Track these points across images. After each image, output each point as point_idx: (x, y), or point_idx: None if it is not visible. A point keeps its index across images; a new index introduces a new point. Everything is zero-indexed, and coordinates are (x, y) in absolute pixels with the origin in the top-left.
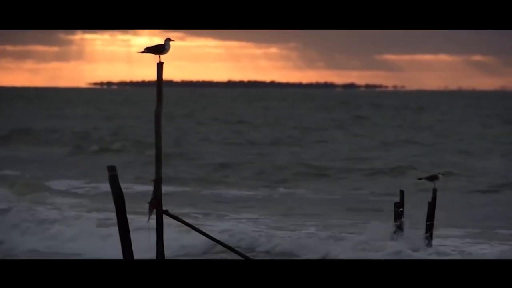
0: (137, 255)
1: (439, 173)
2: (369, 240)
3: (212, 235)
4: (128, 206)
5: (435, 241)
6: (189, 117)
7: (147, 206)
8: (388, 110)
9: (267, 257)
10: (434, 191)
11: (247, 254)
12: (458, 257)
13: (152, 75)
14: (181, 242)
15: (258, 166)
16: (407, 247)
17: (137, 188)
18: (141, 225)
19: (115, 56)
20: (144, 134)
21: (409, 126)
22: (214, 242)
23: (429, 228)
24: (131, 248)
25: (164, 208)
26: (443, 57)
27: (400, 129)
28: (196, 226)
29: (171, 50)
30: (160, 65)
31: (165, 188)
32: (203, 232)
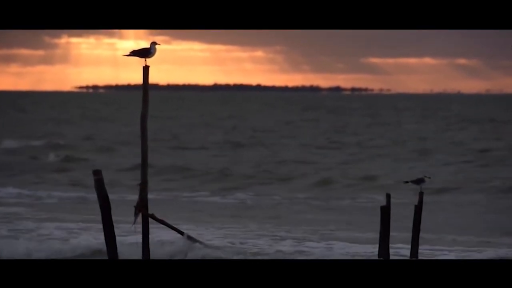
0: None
1: (426, 176)
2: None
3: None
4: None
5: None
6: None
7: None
8: (344, 113)
9: None
10: (421, 194)
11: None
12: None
13: (138, 79)
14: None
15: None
16: None
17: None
18: None
19: (101, 59)
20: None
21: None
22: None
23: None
24: (116, 250)
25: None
26: (428, 60)
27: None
28: (182, 230)
29: (157, 53)
30: (146, 69)
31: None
32: (190, 236)
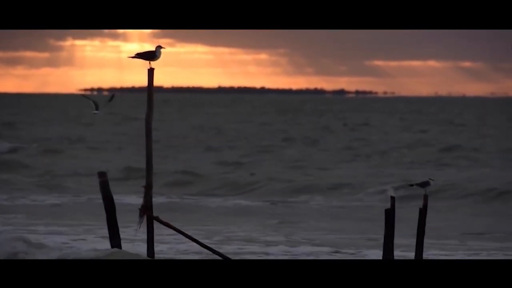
0: None
1: (430, 179)
2: None
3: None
4: None
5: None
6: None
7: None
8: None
9: None
10: (425, 197)
11: None
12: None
13: (142, 81)
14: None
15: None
16: None
17: None
18: None
19: (105, 62)
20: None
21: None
22: (204, 248)
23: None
24: (120, 249)
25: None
26: (432, 63)
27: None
28: (187, 233)
29: (161, 56)
30: (151, 71)
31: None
32: (194, 239)
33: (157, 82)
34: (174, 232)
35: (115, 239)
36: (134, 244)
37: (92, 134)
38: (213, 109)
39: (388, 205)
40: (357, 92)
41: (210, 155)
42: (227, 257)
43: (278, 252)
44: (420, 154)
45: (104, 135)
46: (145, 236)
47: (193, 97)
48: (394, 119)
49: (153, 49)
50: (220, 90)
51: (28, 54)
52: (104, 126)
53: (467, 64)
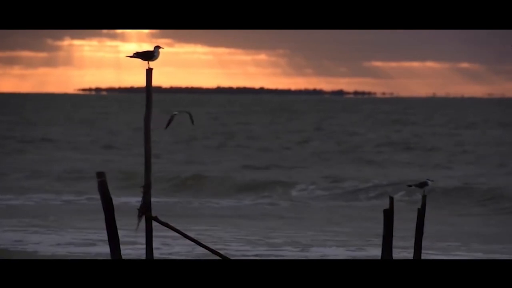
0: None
1: (428, 180)
2: None
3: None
4: None
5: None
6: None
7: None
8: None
9: None
10: (424, 197)
11: None
12: None
13: (141, 81)
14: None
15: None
16: None
17: None
18: None
19: (104, 62)
20: None
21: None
22: (204, 249)
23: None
24: (120, 253)
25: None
26: (430, 64)
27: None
28: (186, 233)
29: (160, 56)
30: (149, 71)
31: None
32: (193, 239)
33: (155, 82)
34: (174, 232)
35: (114, 240)
36: (133, 243)
37: (72, 134)
38: (207, 108)
39: (387, 206)
40: (355, 92)
41: (182, 154)
42: (226, 257)
43: (278, 252)
44: (384, 154)
45: (90, 135)
46: (143, 237)
47: (191, 98)
48: (377, 120)
49: (152, 49)
50: (219, 91)
51: (26, 54)
52: (97, 127)
53: (465, 65)
